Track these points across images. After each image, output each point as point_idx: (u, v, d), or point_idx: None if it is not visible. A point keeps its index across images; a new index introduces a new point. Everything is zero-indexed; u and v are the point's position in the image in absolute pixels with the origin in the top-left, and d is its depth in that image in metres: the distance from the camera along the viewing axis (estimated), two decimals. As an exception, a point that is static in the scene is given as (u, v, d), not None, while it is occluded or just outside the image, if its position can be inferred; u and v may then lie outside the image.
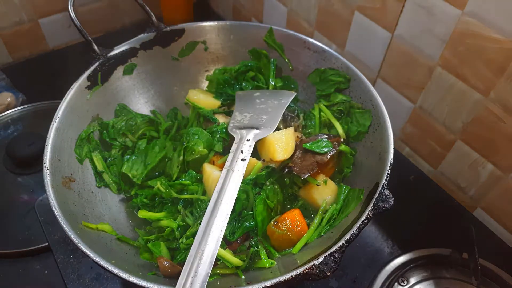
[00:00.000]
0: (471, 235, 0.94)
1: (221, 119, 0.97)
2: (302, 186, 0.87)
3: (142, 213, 0.83)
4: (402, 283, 0.91)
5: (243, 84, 1.05)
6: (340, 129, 0.92)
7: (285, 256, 0.77)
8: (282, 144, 0.85)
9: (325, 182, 0.84)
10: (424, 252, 0.95)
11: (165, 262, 0.71)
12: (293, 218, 0.78)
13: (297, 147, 0.87)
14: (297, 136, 0.90)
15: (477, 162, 1.02)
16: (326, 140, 0.86)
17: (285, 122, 0.95)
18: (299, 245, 0.76)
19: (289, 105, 0.97)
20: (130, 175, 0.91)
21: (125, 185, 0.92)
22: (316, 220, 0.80)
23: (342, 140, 0.90)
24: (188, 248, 0.75)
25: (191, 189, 0.84)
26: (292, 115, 0.96)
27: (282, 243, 0.78)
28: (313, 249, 0.73)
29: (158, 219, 0.82)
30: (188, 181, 0.85)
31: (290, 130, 0.89)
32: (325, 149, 0.84)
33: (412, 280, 0.91)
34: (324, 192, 0.84)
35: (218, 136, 0.92)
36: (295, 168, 0.83)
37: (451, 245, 0.94)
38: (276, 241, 0.79)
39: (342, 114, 0.95)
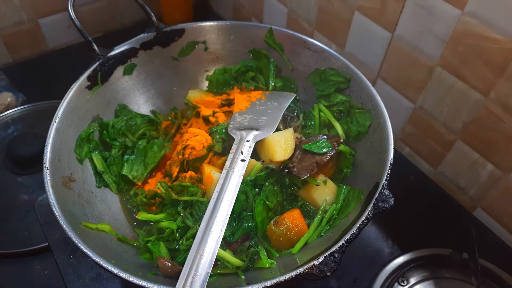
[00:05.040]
0: (471, 235, 0.94)
1: (220, 119, 0.97)
2: (302, 186, 0.87)
3: (142, 215, 0.83)
4: (402, 283, 0.91)
5: (243, 84, 1.05)
6: (339, 130, 0.92)
7: (285, 256, 0.77)
8: (281, 145, 0.85)
9: (325, 182, 0.84)
10: (424, 252, 0.95)
11: (166, 262, 0.71)
12: (293, 218, 0.78)
13: (296, 148, 0.87)
14: (297, 137, 0.90)
15: (477, 162, 1.02)
16: (326, 140, 0.86)
17: (285, 123, 0.95)
18: (299, 245, 0.76)
19: (289, 105, 0.97)
20: (130, 176, 0.91)
21: (125, 184, 0.92)
22: (316, 220, 0.80)
23: (341, 140, 0.90)
24: (188, 249, 0.75)
25: (191, 191, 0.84)
26: (292, 115, 0.96)
27: (282, 243, 0.78)
28: (313, 249, 0.73)
29: (158, 220, 0.82)
30: (187, 183, 0.85)
31: (290, 131, 0.89)
32: (325, 150, 0.84)
33: (412, 280, 0.91)
34: (324, 192, 0.84)
35: (217, 136, 0.92)
36: (295, 169, 0.83)
37: (451, 245, 0.94)
38: (276, 241, 0.79)
39: (342, 114, 0.95)
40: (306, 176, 0.81)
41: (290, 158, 0.85)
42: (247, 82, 1.05)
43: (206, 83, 1.10)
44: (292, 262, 0.72)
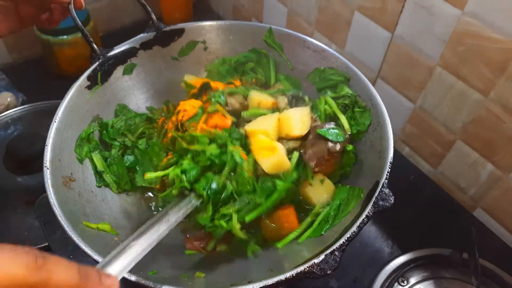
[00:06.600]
0: (471, 235, 0.94)
1: (221, 87, 0.96)
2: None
3: (148, 175, 0.83)
4: (402, 283, 0.91)
5: (243, 75, 1.04)
6: (346, 124, 0.89)
7: (284, 253, 0.78)
8: (298, 121, 0.82)
9: (322, 181, 0.83)
10: (424, 252, 0.95)
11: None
12: (286, 215, 0.79)
13: (310, 131, 0.84)
14: (312, 117, 0.87)
15: (477, 162, 1.02)
16: (340, 129, 0.84)
17: (290, 105, 0.94)
18: (284, 241, 0.77)
19: (293, 90, 0.96)
20: (147, 184, 0.90)
21: (125, 184, 0.92)
22: (308, 220, 0.79)
23: (348, 135, 0.88)
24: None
25: (201, 141, 0.82)
26: (297, 97, 0.94)
27: (272, 237, 0.79)
28: (314, 247, 0.73)
29: (164, 175, 0.82)
30: (198, 133, 0.84)
31: (307, 109, 0.87)
32: (340, 138, 0.82)
33: (412, 280, 0.91)
34: (320, 191, 0.82)
35: (213, 99, 0.90)
36: (306, 155, 0.81)
37: (451, 245, 0.94)
38: (267, 234, 0.79)
39: (347, 108, 0.93)
40: (313, 164, 0.80)
41: (304, 138, 0.83)
42: (246, 74, 1.05)
43: (206, 83, 1.09)
44: (291, 262, 0.72)
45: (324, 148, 0.81)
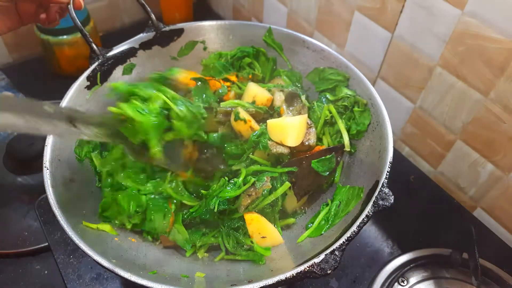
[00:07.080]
0: (471, 235, 0.94)
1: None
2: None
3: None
4: (402, 283, 0.91)
5: (239, 71, 1.04)
6: (346, 140, 0.89)
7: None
8: (295, 132, 0.84)
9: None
10: (424, 252, 0.95)
11: None
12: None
13: (304, 161, 0.84)
14: (308, 123, 0.87)
15: (477, 162, 1.02)
16: (334, 157, 0.85)
17: (287, 102, 0.94)
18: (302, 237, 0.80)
19: (292, 87, 0.96)
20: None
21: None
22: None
23: (344, 150, 0.88)
24: None
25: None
26: (295, 95, 0.93)
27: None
28: (314, 247, 0.73)
29: None
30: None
31: (304, 117, 0.87)
32: (327, 173, 0.84)
33: (412, 280, 0.91)
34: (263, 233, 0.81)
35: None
36: (295, 187, 0.83)
37: (451, 245, 0.94)
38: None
39: (347, 110, 0.93)
40: (298, 198, 0.83)
41: (299, 165, 0.84)
42: (243, 69, 1.04)
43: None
44: (289, 263, 0.72)
45: (314, 182, 0.84)
